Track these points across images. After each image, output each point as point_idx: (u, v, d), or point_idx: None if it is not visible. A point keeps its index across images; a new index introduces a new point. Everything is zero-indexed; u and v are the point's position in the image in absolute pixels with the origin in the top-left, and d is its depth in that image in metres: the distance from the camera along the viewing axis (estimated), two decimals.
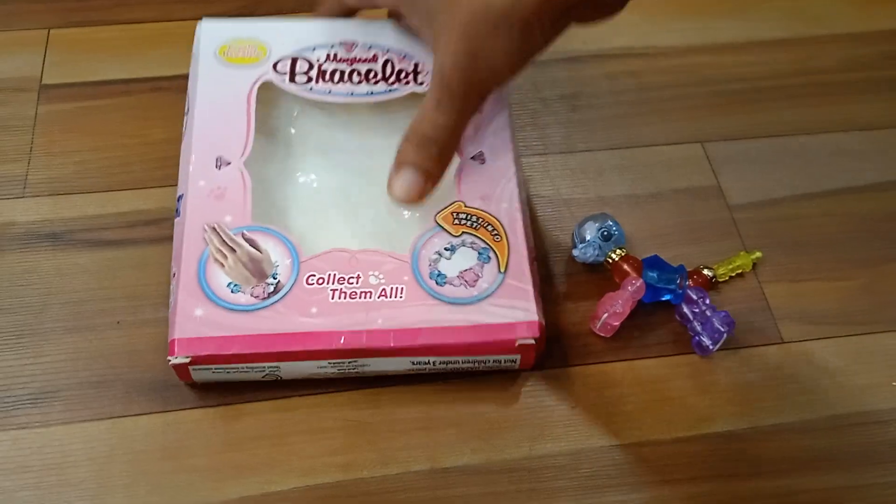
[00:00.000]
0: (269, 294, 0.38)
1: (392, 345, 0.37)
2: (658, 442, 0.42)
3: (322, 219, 0.44)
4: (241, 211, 0.40)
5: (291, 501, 0.39)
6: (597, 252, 0.45)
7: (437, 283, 0.39)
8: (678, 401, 0.43)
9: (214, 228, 0.39)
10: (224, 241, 0.39)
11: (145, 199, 0.49)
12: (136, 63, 0.55)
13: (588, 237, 0.46)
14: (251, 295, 0.38)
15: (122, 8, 0.58)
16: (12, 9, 0.57)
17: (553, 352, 0.44)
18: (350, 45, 0.44)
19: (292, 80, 0.43)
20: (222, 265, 0.38)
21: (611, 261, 0.46)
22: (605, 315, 0.43)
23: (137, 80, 0.54)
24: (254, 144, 0.42)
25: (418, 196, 0.38)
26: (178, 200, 0.41)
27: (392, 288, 0.38)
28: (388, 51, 0.44)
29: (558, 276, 0.47)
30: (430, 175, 0.38)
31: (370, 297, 0.38)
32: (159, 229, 0.47)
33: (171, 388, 0.42)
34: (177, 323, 0.37)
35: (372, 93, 0.43)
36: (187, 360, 0.37)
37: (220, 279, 0.38)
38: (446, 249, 0.40)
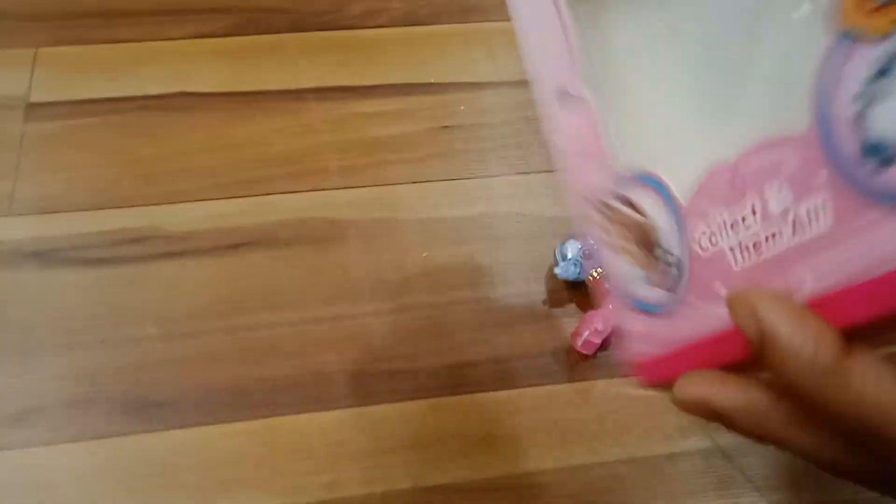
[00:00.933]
0: (674, 281, 0.24)
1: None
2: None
3: (675, 121, 0.25)
4: (600, 156, 0.26)
5: None
6: (578, 270, 0.46)
7: (878, 160, 0.17)
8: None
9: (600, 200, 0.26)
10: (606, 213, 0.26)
11: (132, 218, 0.49)
12: (123, 82, 0.55)
13: (569, 255, 0.46)
14: (651, 284, 0.25)
15: (111, 27, 0.58)
16: (0, 27, 0.58)
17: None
18: None
19: None
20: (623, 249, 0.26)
21: (591, 279, 0.46)
22: (587, 333, 0.44)
23: (125, 99, 0.54)
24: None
25: None
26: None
27: (808, 209, 0.20)
28: None
29: (539, 294, 0.48)
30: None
31: (783, 240, 0.21)
32: (145, 248, 0.48)
33: (155, 407, 0.42)
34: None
35: None
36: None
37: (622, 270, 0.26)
38: (879, 75, 0.18)
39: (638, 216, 0.25)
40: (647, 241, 0.25)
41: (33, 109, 0.53)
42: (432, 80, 0.58)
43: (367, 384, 0.45)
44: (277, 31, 0.60)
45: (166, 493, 0.40)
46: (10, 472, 0.40)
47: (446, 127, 0.56)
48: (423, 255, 0.50)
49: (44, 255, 0.47)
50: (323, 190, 0.52)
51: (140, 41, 0.58)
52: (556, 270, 0.46)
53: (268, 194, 0.51)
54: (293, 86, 0.57)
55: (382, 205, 0.52)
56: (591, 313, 0.45)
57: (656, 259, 0.25)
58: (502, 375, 0.45)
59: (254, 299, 0.47)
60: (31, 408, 0.42)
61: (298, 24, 0.60)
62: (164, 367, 0.44)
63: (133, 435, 0.41)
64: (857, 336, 0.19)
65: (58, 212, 0.49)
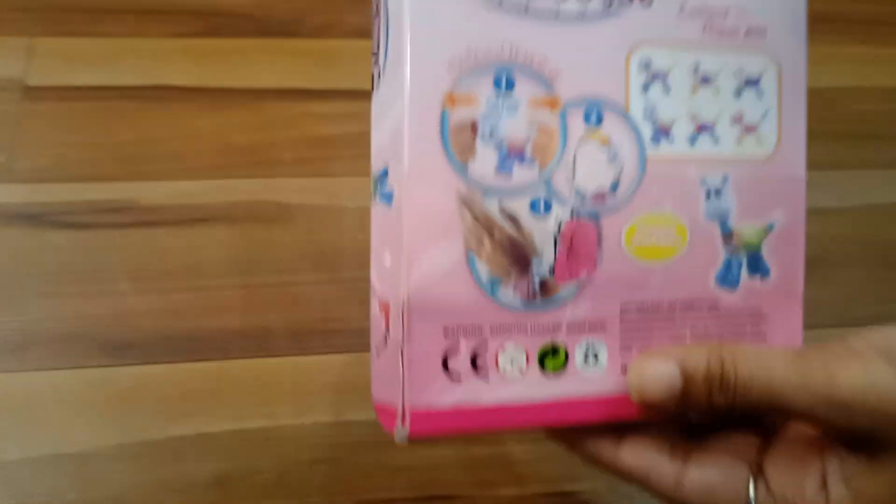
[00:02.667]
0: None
1: None
2: None
3: None
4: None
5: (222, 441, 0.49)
6: None
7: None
8: None
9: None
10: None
11: (111, 191, 0.58)
12: (108, 72, 0.64)
13: None
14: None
15: (98, 22, 0.67)
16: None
17: None
18: None
19: None
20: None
21: None
22: None
23: (109, 88, 0.63)
24: None
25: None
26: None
27: None
28: None
29: None
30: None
31: None
32: (121, 217, 0.57)
33: (126, 347, 0.51)
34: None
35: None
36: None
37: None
38: None
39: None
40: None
41: (29, 92, 0.62)
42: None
43: (304, 340, 0.55)
44: (245, 36, 0.69)
45: (132, 416, 0.49)
46: (8, 391, 0.49)
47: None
48: (359, 236, 0.60)
49: (35, 218, 0.56)
50: (276, 177, 0.61)
51: (124, 36, 0.67)
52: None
53: (228, 178, 0.61)
54: (256, 85, 0.66)
55: (326, 193, 0.61)
56: None
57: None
58: None
59: (211, 266, 0.57)
60: (22, 343, 0.51)
61: (264, 31, 0.69)
62: (134, 316, 0.53)
63: (106, 368, 0.51)
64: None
65: (48, 182, 0.58)
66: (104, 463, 0.48)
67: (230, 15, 0.69)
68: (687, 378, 0.27)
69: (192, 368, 0.51)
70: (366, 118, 0.68)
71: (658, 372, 0.27)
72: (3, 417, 0.48)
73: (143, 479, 0.48)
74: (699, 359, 0.27)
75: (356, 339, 0.55)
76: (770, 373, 0.26)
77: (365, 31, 0.77)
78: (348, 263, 0.58)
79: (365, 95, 0.71)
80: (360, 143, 0.68)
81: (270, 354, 0.53)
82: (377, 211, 0.28)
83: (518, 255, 0.27)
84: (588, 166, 0.28)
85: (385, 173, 0.28)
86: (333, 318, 0.56)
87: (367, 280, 0.61)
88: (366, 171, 0.67)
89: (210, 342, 0.53)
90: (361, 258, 0.60)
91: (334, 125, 0.65)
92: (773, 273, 0.30)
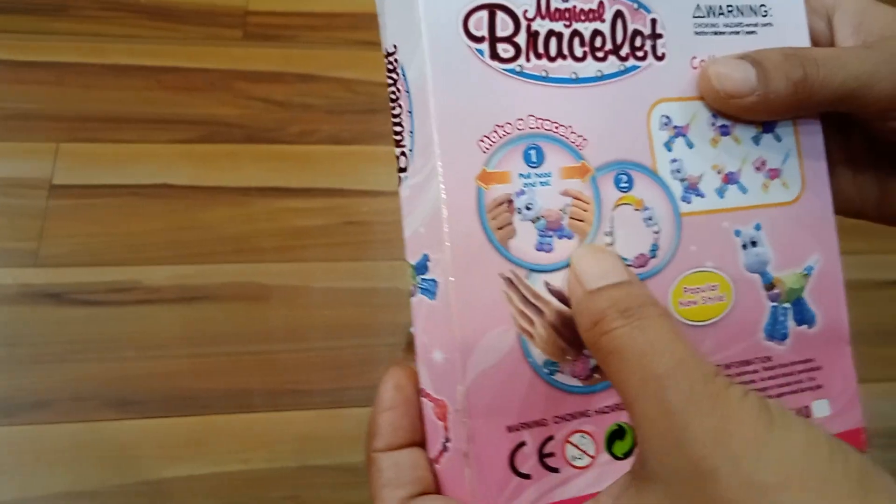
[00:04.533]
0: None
1: None
2: None
3: None
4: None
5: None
6: None
7: None
8: None
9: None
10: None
11: (120, 273, 0.70)
12: (121, 173, 0.77)
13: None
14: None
15: (114, 131, 0.80)
16: (31, 125, 0.79)
17: None
18: None
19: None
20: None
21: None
22: None
23: (121, 186, 0.76)
24: None
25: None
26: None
27: None
28: None
29: (399, 344, 0.71)
30: None
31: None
32: (128, 295, 0.69)
33: (129, 404, 0.63)
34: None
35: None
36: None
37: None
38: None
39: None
40: (572, 333, 0.25)
41: (55, 190, 0.75)
42: (346, 187, 0.81)
43: (277, 398, 0.66)
44: (235, 142, 0.82)
45: (132, 461, 0.60)
46: (30, 439, 0.60)
47: (351, 222, 0.79)
48: (325, 313, 0.72)
49: (57, 296, 0.68)
50: (258, 262, 0.74)
51: (134, 142, 0.80)
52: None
53: (217, 263, 0.73)
54: (243, 184, 0.79)
55: (299, 276, 0.74)
56: None
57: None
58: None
59: (202, 337, 0.68)
60: (44, 400, 0.62)
61: (251, 138, 0.83)
62: (137, 378, 0.65)
63: (112, 421, 0.62)
64: None
65: (68, 266, 0.70)
66: (108, 499, 0.59)
67: (223, 124, 0.83)
68: (763, 68, 0.27)
69: (182, 422, 0.63)
70: (336, 213, 0.81)
71: (733, 63, 0.27)
72: (27, 462, 0.59)
73: None
74: (773, 53, 0.27)
75: (321, 399, 0.67)
76: (844, 63, 0.27)
77: (336, 138, 0.91)
78: (316, 335, 0.70)
79: (337, 193, 0.85)
80: (331, 233, 0.81)
81: (248, 410, 0.65)
82: (420, 305, 0.26)
83: (572, 334, 0.25)
84: (626, 232, 0.26)
85: (424, 262, 0.25)
86: (302, 381, 0.68)
87: (332, 349, 0.73)
88: (334, 257, 0.79)
89: (198, 400, 0.64)
90: (327, 331, 0.73)
91: (309, 218, 0.78)
92: (819, 319, 0.29)
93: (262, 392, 0.66)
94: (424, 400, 0.26)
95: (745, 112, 0.28)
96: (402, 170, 0.26)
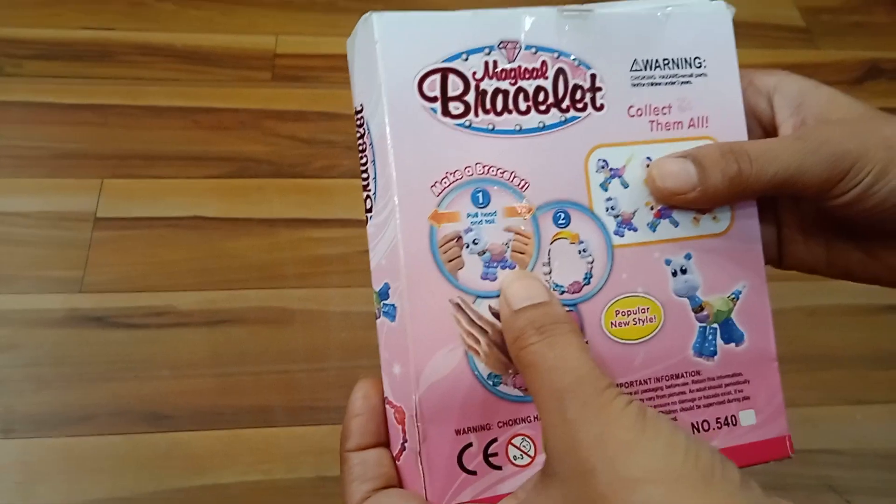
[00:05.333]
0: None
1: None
2: None
3: None
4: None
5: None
6: None
7: None
8: None
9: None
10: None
11: (157, 298, 0.77)
12: (158, 207, 0.84)
13: None
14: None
15: (152, 167, 0.87)
16: (78, 162, 0.87)
17: None
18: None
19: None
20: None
21: None
22: None
23: (158, 219, 0.83)
24: None
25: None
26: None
27: None
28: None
29: None
30: None
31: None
32: (164, 319, 0.76)
33: (163, 418, 0.69)
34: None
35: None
36: None
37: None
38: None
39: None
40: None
41: (98, 222, 0.82)
42: (363, 218, 0.87)
43: (296, 414, 0.72)
44: (262, 177, 0.89)
45: (165, 470, 0.66)
46: (74, 450, 0.67)
47: (368, 251, 0.84)
48: (342, 335, 0.78)
49: (100, 320, 0.75)
50: (281, 288, 0.80)
51: (170, 178, 0.87)
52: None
53: (244, 289, 0.79)
54: (269, 216, 0.85)
55: (319, 301, 0.80)
56: None
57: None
58: None
59: (229, 357, 0.75)
60: (87, 414, 0.69)
61: (277, 173, 0.89)
62: (171, 395, 0.71)
63: (148, 434, 0.68)
64: None
65: (110, 292, 0.77)
66: None
67: (251, 160, 0.90)
68: (701, 166, 0.30)
69: (210, 435, 0.69)
70: (354, 242, 0.87)
71: (674, 162, 0.30)
72: (72, 470, 0.66)
73: None
74: (710, 150, 0.30)
75: (337, 415, 0.72)
76: (776, 155, 0.29)
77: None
78: (333, 356, 0.76)
79: (355, 223, 0.90)
80: (349, 261, 0.87)
81: (270, 425, 0.70)
82: (382, 326, 0.30)
83: None
84: (562, 262, 0.29)
85: (385, 289, 0.29)
86: (320, 399, 0.73)
87: (348, 369, 0.78)
88: (351, 283, 0.84)
89: (225, 416, 0.70)
90: (344, 352, 0.78)
91: (329, 247, 0.84)
92: (747, 338, 0.32)
93: (283, 408, 0.72)
94: (388, 406, 0.29)
95: (687, 205, 0.31)
96: (369, 210, 0.30)
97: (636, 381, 0.30)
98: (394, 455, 0.29)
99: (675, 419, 0.31)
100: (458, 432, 0.28)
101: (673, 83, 0.32)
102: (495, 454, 0.29)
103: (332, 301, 0.80)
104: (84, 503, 0.64)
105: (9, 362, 0.72)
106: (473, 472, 0.28)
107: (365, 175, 0.30)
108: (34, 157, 0.86)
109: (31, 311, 0.75)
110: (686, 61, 0.32)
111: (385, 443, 0.30)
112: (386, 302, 0.29)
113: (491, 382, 0.29)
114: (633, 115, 0.31)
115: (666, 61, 0.32)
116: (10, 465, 0.66)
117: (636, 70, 0.31)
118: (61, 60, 0.95)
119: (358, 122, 0.30)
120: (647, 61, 0.32)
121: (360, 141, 0.30)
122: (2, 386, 0.70)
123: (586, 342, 0.29)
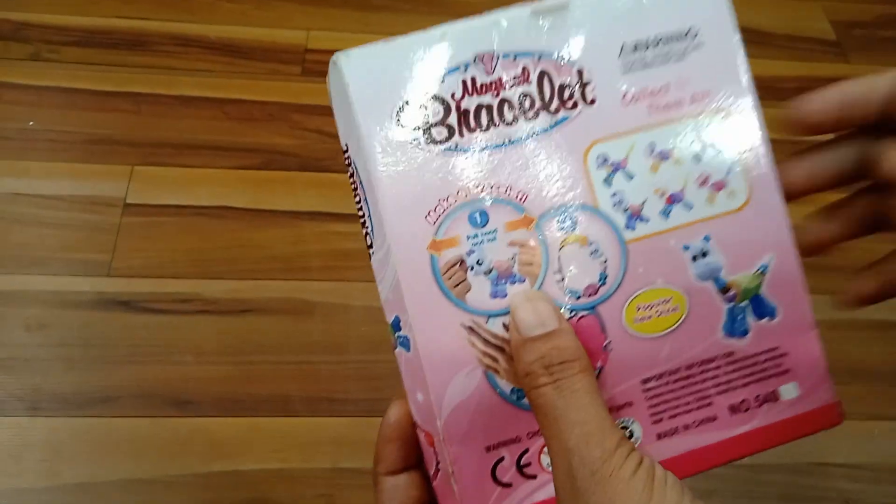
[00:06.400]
0: None
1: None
2: None
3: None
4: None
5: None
6: None
7: None
8: None
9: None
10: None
11: (183, 285, 0.78)
12: (186, 195, 0.85)
13: None
14: None
15: (181, 156, 0.89)
16: (110, 149, 0.88)
17: None
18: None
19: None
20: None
21: None
22: None
23: (186, 207, 0.84)
24: None
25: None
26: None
27: None
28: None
29: None
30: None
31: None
32: (189, 305, 0.77)
33: (185, 403, 0.70)
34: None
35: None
36: None
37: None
38: None
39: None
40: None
41: (128, 208, 0.83)
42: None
43: (315, 405, 0.73)
44: (289, 169, 0.90)
45: (187, 455, 0.68)
46: (98, 430, 0.68)
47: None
48: (362, 329, 0.79)
49: (127, 304, 0.76)
50: (304, 280, 0.81)
51: (199, 167, 0.88)
52: None
53: (268, 279, 0.80)
54: (295, 208, 0.87)
55: (341, 294, 0.81)
56: None
57: None
58: None
59: (251, 346, 0.76)
60: (112, 396, 0.70)
61: (305, 166, 0.91)
62: (194, 381, 0.72)
63: (171, 418, 0.69)
64: None
65: (137, 277, 0.78)
66: (164, 488, 0.66)
67: (279, 153, 0.91)
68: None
69: (230, 422, 0.70)
70: None
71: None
72: (94, 450, 0.67)
73: (192, 501, 0.66)
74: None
75: (354, 407, 0.73)
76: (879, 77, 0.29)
77: None
78: (353, 349, 0.77)
79: None
80: None
81: (289, 415, 0.71)
82: (400, 356, 0.29)
83: None
84: (574, 267, 0.29)
85: (397, 322, 0.29)
86: (339, 390, 0.74)
87: (367, 362, 0.79)
88: (373, 278, 0.84)
89: (245, 403, 0.72)
90: (364, 346, 0.79)
91: (353, 241, 0.85)
92: (780, 311, 0.31)
93: (302, 399, 0.73)
94: (418, 431, 0.30)
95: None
96: (370, 246, 0.30)
97: (666, 373, 0.30)
98: (430, 475, 0.30)
99: (710, 404, 0.30)
100: (488, 449, 0.29)
101: (667, 61, 0.30)
102: (528, 464, 0.29)
103: (353, 295, 0.81)
104: (106, 483, 0.66)
105: (38, 341, 0.73)
106: (509, 485, 0.29)
107: (361, 212, 0.30)
108: (68, 142, 0.88)
109: (62, 292, 0.76)
110: (678, 35, 0.30)
111: (415, 465, 0.30)
112: (399, 333, 0.29)
113: (515, 397, 0.29)
114: (628, 103, 0.30)
115: (656, 39, 0.30)
116: (35, 442, 0.68)
117: (625, 55, 0.30)
118: (97, 48, 0.96)
119: (346, 162, 0.30)
120: (636, 43, 0.30)
121: (352, 179, 0.30)
122: (30, 364, 0.72)
123: (598, 374, 0.29)
